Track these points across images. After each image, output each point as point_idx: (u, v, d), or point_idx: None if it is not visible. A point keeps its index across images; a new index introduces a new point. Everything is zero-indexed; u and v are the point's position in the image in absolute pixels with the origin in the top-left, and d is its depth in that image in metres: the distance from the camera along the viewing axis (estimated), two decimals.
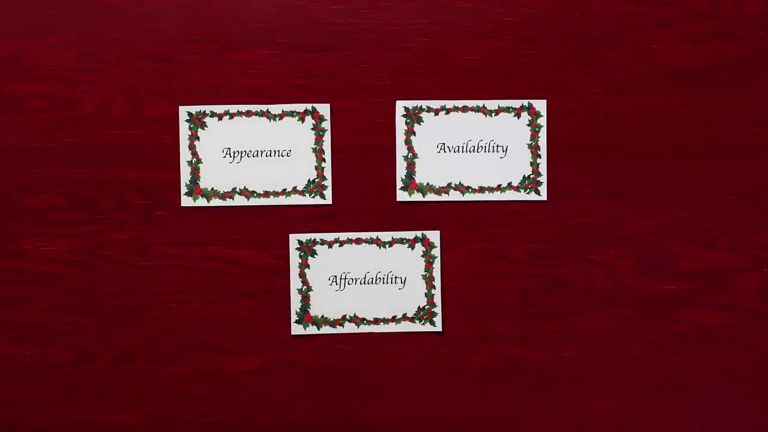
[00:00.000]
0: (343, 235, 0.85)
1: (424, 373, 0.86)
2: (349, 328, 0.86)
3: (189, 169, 0.85)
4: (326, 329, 0.85)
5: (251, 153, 0.85)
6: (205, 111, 0.85)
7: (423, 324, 0.86)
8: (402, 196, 0.86)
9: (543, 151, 0.86)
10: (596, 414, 0.86)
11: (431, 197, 0.86)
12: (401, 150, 0.86)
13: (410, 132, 0.85)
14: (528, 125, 0.86)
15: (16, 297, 0.85)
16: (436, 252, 0.86)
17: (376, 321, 0.86)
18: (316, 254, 0.85)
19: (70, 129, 0.84)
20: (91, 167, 0.85)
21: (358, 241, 0.85)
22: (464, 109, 0.86)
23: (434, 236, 0.86)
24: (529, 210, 0.86)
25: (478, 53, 0.85)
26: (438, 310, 0.86)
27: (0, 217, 0.84)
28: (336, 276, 0.86)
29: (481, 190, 0.86)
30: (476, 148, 0.86)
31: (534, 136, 0.86)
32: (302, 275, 0.85)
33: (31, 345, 0.85)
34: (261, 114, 0.85)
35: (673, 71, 0.86)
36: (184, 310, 0.85)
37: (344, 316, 0.86)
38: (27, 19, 0.84)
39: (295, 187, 0.85)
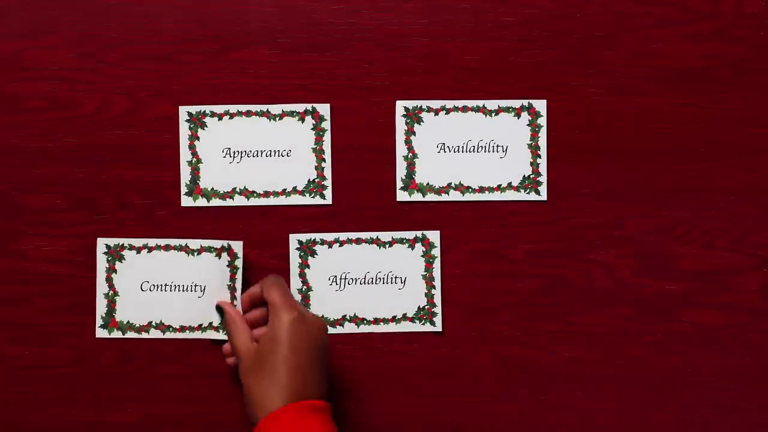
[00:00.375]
0: (343, 235, 0.85)
1: (424, 373, 0.86)
2: (349, 328, 0.86)
3: (189, 169, 0.85)
4: None
5: (251, 153, 0.85)
6: (205, 111, 0.85)
7: (423, 324, 0.86)
8: (402, 196, 0.86)
9: (543, 151, 0.86)
10: (596, 414, 0.86)
11: (431, 197, 0.86)
12: (401, 150, 0.86)
13: (410, 132, 0.86)
14: (528, 125, 0.86)
15: (16, 297, 0.85)
16: (436, 252, 0.86)
17: (376, 321, 0.86)
18: (316, 254, 0.85)
19: (70, 129, 0.84)
20: (91, 167, 0.85)
21: (358, 241, 0.85)
22: (464, 109, 0.86)
23: (434, 236, 0.86)
24: (529, 210, 0.86)
25: (478, 53, 0.85)
26: (438, 310, 0.86)
27: (0, 217, 0.84)
28: (336, 276, 0.86)
29: (481, 190, 0.86)
30: (476, 148, 0.86)
31: (534, 136, 0.86)
32: (302, 275, 0.85)
33: (31, 345, 0.85)
34: (261, 114, 0.85)
35: (673, 71, 0.86)
36: None
37: (344, 316, 0.86)
38: (27, 19, 0.84)
39: (295, 187, 0.85)
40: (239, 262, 0.83)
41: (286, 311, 0.73)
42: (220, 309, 0.82)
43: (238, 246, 0.83)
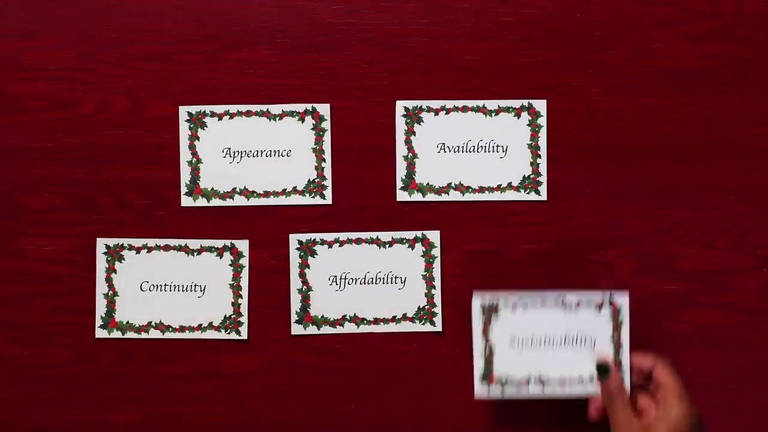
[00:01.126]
0: (343, 235, 0.85)
1: (424, 373, 0.86)
2: (349, 328, 0.86)
3: (189, 169, 0.85)
4: (326, 329, 0.86)
5: (251, 153, 0.85)
6: (205, 111, 0.85)
7: (423, 324, 0.86)
8: (402, 196, 0.86)
9: (543, 151, 0.86)
10: None
11: (431, 197, 0.86)
12: (401, 150, 0.86)
13: (410, 132, 0.86)
14: (528, 125, 0.86)
15: (16, 297, 0.85)
16: (436, 252, 0.86)
17: (376, 321, 0.86)
18: (316, 254, 0.85)
19: (70, 129, 0.84)
20: (91, 167, 0.85)
21: (358, 241, 0.85)
22: (464, 109, 0.86)
23: (434, 236, 0.86)
24: (529, 210, 0.86)
25: (478, 53, 0.85)
26: (438, 310, 0.86)
27: (0, 217, 0.84)
28: (336, 276, 0.86)
29: (481, 190, 0.86)
30: (476, 148, 0.86)
31: (534, 136, 0.86)
32: (302, 275, 0.85)
33: (31, 345, 0.85)
34: (261, 114, 0.85)
35: (673, 71, 0.86)
36: None
37: (344, 316, 0.86)
38: (27, 19, 0.84)
39: (295, 187, 0.85)
40: (245, 261, 0.84)
41: (689, 407, 0.73)
42: (603, 368, 0.78)
43: (243, 245, 0.84)
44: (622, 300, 0.79)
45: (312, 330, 0.85)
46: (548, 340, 0.78)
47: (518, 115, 0.86)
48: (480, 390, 0.78)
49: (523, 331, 0.78)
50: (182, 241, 0.84)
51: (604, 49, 0.86)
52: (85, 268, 0.85)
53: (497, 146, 0.86)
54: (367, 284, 0.86)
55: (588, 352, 0.78)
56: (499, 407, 0.86)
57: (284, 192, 0.85)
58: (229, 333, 0.84)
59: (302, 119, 0.85)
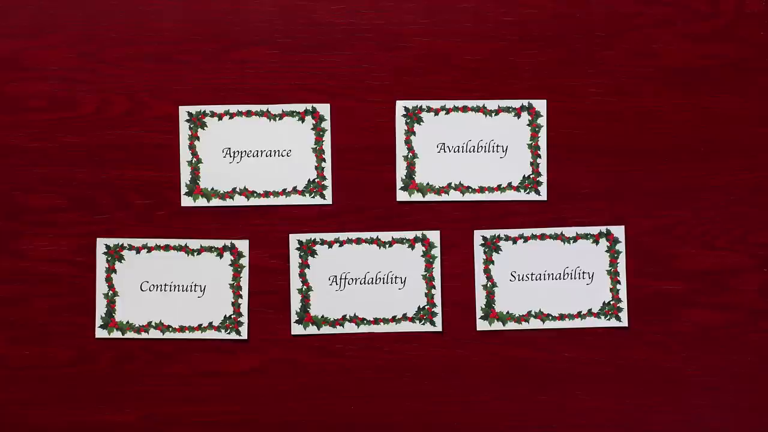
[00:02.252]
0: (343, 235, 0.85)
1: (424, 373, 0.86)
2: (349, 328, 0.86)
3: (189, 169, 0.85)
4: (326, 329, 0.86)
5: (251, 153, 0.85)
6: (205, 111, 0.85)
7: (423, 324, 0.86)
8: (402, 196, 0.86)
9: (543, 151, 0.86)
10: (596, 414, 0.86)
11: (431, 197, 0.86)
12: (401, 150, 0.86)
13: (410, 132, 0.86)
14: (528, 125, 0.86)
15: (16, 297, 0.85)
16: (436, 252, 0.86)
17: (376, 321, 0.86)
18: (316, 254, 0.85)
19: (70, 129, 0.84)
20: (91, 167, 0.85)
21: (358, 241, 0.85)
22: (464, 109, 0.86)
23: (434, 236, 0.86)
24: (529, 210, 0.86)
25: (478, 53, 0.85)
26: (438, 310, 0.86)
27: (0, 217, 0.84)
28: (336, 276, 0.86)
29: (481, 190, 0.86)
30: (476, 148, 0.86)
31: (534, 136, 0.86)
32: (302, 275, 0.85)
33: (31, 345, 0.85)
34: (261, 114, 0.85)
35: (673, 71, 0.86)
36: None
37: (344, 316, 0.86)
38: (27, 19, 0.84)
39: (295, 187, 0.85)
40: (245, 261, 0.84)
41: None
42: None
43: (243, 245, 0.84)
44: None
45: (312, 330, 0.85)
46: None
47: (518, 115, 0.86)
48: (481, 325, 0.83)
49: (523, 266, 0.81)
50: (182, 241, 0.84)
51: (604, 49, 0.85)
52: (85, 268, 0.85)
53: (497, 146, 0.86)
54: (367, 284, 0.86)
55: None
56: (499, 407, 0.86)
57: (284, 192, 0.85)
58: (229, 333, 0.84)
59: (302, 119, 0.85)
